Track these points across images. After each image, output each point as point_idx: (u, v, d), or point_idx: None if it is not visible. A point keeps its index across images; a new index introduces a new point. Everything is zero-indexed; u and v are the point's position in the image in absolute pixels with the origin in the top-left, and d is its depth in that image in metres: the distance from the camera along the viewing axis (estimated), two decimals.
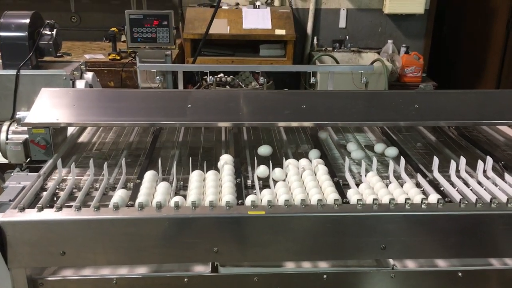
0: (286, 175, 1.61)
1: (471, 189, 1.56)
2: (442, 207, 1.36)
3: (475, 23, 5.48)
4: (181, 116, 1.84)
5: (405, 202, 1.36)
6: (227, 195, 1.43)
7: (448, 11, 5.52)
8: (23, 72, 2.44)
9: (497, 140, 2.05)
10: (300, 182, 1.55)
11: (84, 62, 2.70)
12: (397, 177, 1.65)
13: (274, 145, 1.90)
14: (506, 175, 1.63)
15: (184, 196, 1.47)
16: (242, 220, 1.34)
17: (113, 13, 4.52)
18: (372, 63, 4.27)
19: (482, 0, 5.32)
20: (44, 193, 1.49)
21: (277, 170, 1.60)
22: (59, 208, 1.31)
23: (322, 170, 1.63)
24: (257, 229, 1.35)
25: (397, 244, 1.37)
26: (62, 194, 1.49)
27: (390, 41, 4.70)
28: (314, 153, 1.79)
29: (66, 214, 1.31)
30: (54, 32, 2.54)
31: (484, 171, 1.66)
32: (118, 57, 3.89)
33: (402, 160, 1.69)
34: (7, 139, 1.80)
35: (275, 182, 1.58)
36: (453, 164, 1.65)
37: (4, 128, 1.83)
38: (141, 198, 1.41)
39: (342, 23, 4.87)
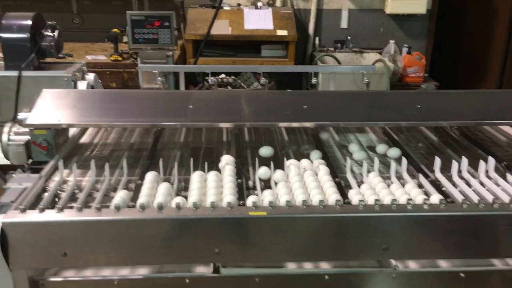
0: (287, 176, 1.61)
1: (473, 190, 1.55)
2: (444, 207, 1.36)
3: (476, 23, 5.47)
4: (183, 117, 1.83)
5: (407, 202, 1.36)
6: (228, 195, 1.43)
7: (449, 11, 5.51)
8: (25, 73, 2.44)
9: (499, 140, 2.04)
10: (302, 183, 1.55)
11: (86, 63, 2.71)
12: (399, 177, 1.64)
13: (275, 146, 1.90)
14: (509, 176, 1.62)
15: (185, 197, 1.47)
16: (243, 221, 1.33)
17: (115, 14, 4.53)
18: (374, 63, 4.27)
19: (484, 0, 5.31)
20: (46, 194, 1.49)
21: (278, 172, 1.60)
22: (61, 209, 1.31)
23: (323, 170, 1.62)
24: (258, 230, 1.35)
25: (399, 245, 1.36)
26: (63, 195, 1.49)
27: (392, 41, 4.69)
28: (315, 154, 1.78)
29: (68, 215, 1.31)
30: (56, 33, 2.55)
31: (486, 172, 1.65)
32: (120, 58, 3.90)
33: (404, 160, 1.69)
34: (9, 140, 1.80)
35: (276, 182, 1.58)
36: (455, 164, 1.65)
37: (6, 129, 1.83)
38: (142, 199, 1.41)
39: (344, 24, 4.87)
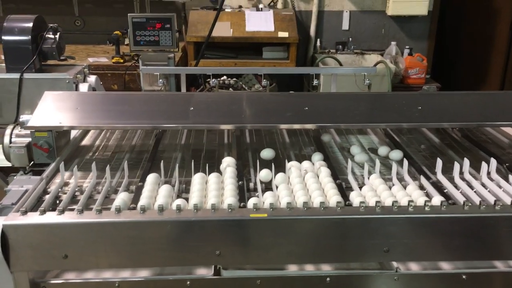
0: (289, 178, 1.61)
1: (475, 191, 1.55)
2: (445, 209, 1.35)
3: (477, 24, 5.46)
4: (184, 119, 1.84)
5: (408, 204, 1.35)
6: (229, 197, 1.43)
7: (450, 11, 5.50)
8: (26, 75, 2.44)
9: (501, 142, 2.03)
10: (303, 185, 1.54)
11: (87, 66, 2.71)
12: (400, 179, 1.64)
13: (276, 148, 1.90)
14: (510, 177, 1.62)
15: (186, 199, 1.47)
16: (244, 223, 1.33)
17: (116, 16, 4.54)
18: (375, 65, 4.27)
19: (485, 1, 5.30)
20: (47, 197, 1.49)
21: (279, 175, 1.59)
22: (61, 212, 1.31)
23: (324, 172, 1.62)
24: (259, 232, 1.34)
25: (401, 247, 1.36)
26: (64, 197, 1.49)
27: (393, 43, 4.69)
28: (317, 156, 1.78)
29: (68, 218, 1.31)
30: (57, 36, 2.55)
31: (488, 173, 1.65)
32: (122, 60, 3.90)
33: (405, 162, 1.68)
34: (10, 142, 1.81)
35: (277, 186, 1.57)
36: (456, 166, 1.64)
37: (8, 131, 1.83)
38: (143, 201, 1.41)
39: (345, 25, 4.87)
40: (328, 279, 1.41)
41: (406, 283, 1.43)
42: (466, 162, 1.66)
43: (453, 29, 5.74)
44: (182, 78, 2.70)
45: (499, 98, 2.12)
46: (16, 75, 2.43)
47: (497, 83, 5.18)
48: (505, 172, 1.68)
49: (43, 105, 1.85)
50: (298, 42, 4.30)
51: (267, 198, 1.44)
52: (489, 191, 1.55)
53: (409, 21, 4.85)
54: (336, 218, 1.33)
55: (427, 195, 1.53)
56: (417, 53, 4.58)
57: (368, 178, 1.63)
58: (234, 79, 3.93)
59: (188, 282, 1.39)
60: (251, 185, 1.61)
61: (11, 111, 2.45)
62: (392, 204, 1.36)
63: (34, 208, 1.43)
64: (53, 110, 1.83)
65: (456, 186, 1.58)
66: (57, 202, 1.50)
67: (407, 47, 4.72)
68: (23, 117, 1.86)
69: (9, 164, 1.84)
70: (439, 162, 1.66)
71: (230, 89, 3.90)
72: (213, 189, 1.49)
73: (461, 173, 1.65)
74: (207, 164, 1.65)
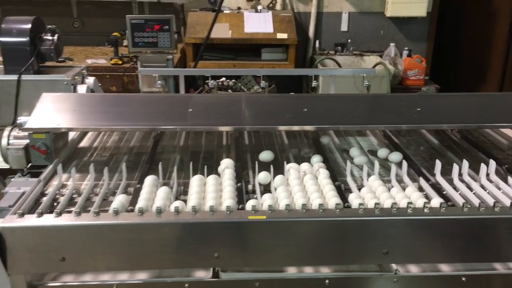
0: (287, 180, 1.60)
1: (474, 193, 1.55)
2: (445, 211, 1.35)
3: (476, 25, 5.47)
4: (182, 121, 1.83)
5: (408, 206, 1.35)
6: (228, 199, 1.42)
7: (449, 12, 5.50)
8: (24, 77, 2.43)
9: (500, 143, 2.03)
10: (301, 187, 1.54)
11: (86, 67, 2.70)
12: (399, 181, 1.64)
13: (275, 149, 1.89)
14: (510, 179, 1.61)
15: (185, 201, 1.46)
16: (242, 225, 1.33)
17: (115, 18, 4.53)
18: (374, 66, 4.26)
19: (484, 2, 5.31)
20: (44, 199, 1.48)
21: (278, 177, 1.59)
22: (59, 214, 1.31)
23: (323, 174, 1.61)
24: (258, 234, 1.34)
25: (400, 249, 1.35)
26: (62, 199, 1.49)
27: (392, 44, 4.69)
28: (316, 158, 1.77)
29: (66, 220, 1.30)
30: (55, 37, 2.54)
31: (487, 175, 1.65)
32: (120, 62, 3.90)
33: (404, 163, 1.68)
34: (8, 144, 1.80)
35: (276, 188, 1.57)
36: (455, 167, 1.64)
37: (6, 133, 1.83)
38: (141, 203, 1.41)
39: (344, 27, 4.87)
40: (327, 281, 1.40)
41: (406, 285, 1.42)
42: (465, 163, 1.66)
43: (453, 30, 5.75)
44: (180, 79, 2.69)
45: (498, 100, 2.12)
46: (14, 77, 2.42)
47: (496, 84, 5.18)
48: (504, 173, 1.67)
49: (41, 106, 1.85)
50: (297, 44, 4.30)
51: (266, 200, 1.43)
52: (488, 192, 1.54)
53: (408, 23, 4.86)
54: (335, 220, 1.33)
55: (426, 197, 1.53)
56: (416, 55, 4.58)
57: (367, 179, 1.63)
58: (233, 80, 3.92)
59: (186, 285, 1.38)
60: (250, 187, 1.60)
61: (9, 113, 2.44)
62: (391, 206, 1.36)
63: (31, 210, 1.42)
64: (51, 111, 1.83)
65: (455, 188, 1.58)
66: (55, 204, 1.49)
67: (406, 48, 4.72)
68: (21, 119, 1.86)
69: (7, 166, 1.83)
70: (438, 164, 1.66)
71: (229, 90, 3.89)
72: (212, 191, 1.49)
73: (460, 174, 1.65)
74: (205, 166, 1.64)
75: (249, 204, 1.39)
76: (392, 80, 4.29)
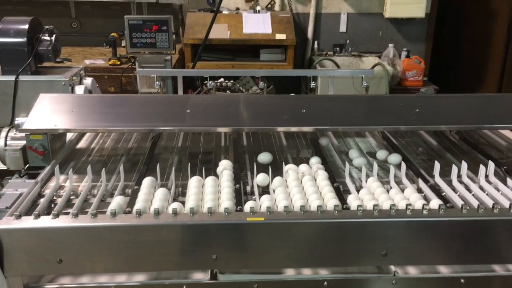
0: (286, 181, 1.60)
1: (473, 194, 1.54)
2: (443, 212, 1.34)
3: (475, 26, 5.47)
4: (180, 122, 1.82)
5: (406, 208, 1.34)
6: (226, 201, 1.42)
7: (449, 12, 5.51)
8: (22, 78, 2.43)
9: (499, 145, 2.03)
10: (300, 188, 1.53)
11: (84, 68, 2.70)
12: (398, 182, 1.63)
13: (274, 151, 1.89)
14: (509, 180, 1.61)
15: (183, 203, 1.46)
16: (241, 227, 1.32)
17: (113, 18, 4.53)
18: (373, 67, 4.26)
19: (483, 3, 5.31)
20: (41, 200, 1.48)
21: (277, 179, 1.58)
22: (56, 215, 1.30)
23: (322, 175, 1.61)
24: (256, 235, 1.33)
25: (398, 251, 1.35)
26: (59, 201, 1.48)
27: (391, 45, 4.69)
28: (314, 159, 1.77)
29: (63, 222, 1.29)
30: (53, 38, 2.54)
31: (486, 176, 1.64)
32: (118, 63, 3.89)
33: (403, 165, 1.67)
34: (5, 145, 1.79)
35: (274, 190, 1.56)
36: (454, 169, 1.63)
37: (3, 134, 1.82)
38: (138, 204, 1.40)
39: (342, 27, 4.87)
40: (325, 283, 1.40)
41: (404, 287, 1.42)
42: (464, 165, 1.66)
43: (452, 31, 5.76)
44: (179, 80, 2.69)
45: (497, 101, 2.11)
46: (12, 77, 2.42)
47: (495, 85, 5.19)
48: (503, 175, 1.67)
49: (38, 107, 1.84)
50: (295, 44, 4.30)
51: (264, 202, 1.43)
52: (487, 194, 1.54)
53: (407, 24, 4.86)
54: (333, 221, 1.32)
55: (425, 198, 1.52)
56: (414, 56, 4.59)
57: (366, 181, 1.62)
58: (232, 81, 3.92)
59: (184, 287, 1.37)
60: (248, 188, 1.60)
61: (6, 114, 2.43)
62: (390, 208, 1.35)
63: (28, 212, 1.41)
64: (48, 112, 1.82)
65: (454, 189, 1.58)
66: (52, 206, 1.49)
67: (404, 49, 4.73)
68: (18, 120, 1.85)
69: (4, 167, 1.82)
70: (437, 165, 1.66)
71: (227, 91, 3.88)
72: (210, 193, 1.48)
73: (459, 176, 1.64)
74: (203, 167, 1.64)
75: (247, 206, 1.38)
76: (391, 81, 4.29)
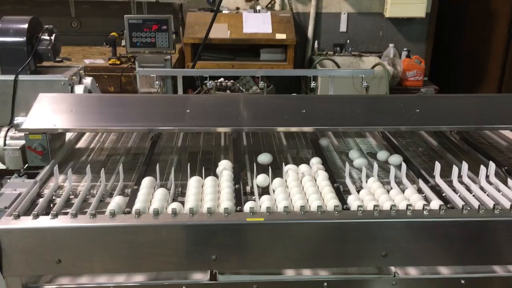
0: (286, 181, 1.59)
1: (473, 195, 1.54)
2: (444, 213, 1.34)
3: (475, 26, 5.47)
4: (180, 121, 1.82)
5: (407, 208, 1.34)
6: (226, 201, 1.41)
7: (449, 13, 5.50)
8: (21, 77, 2.43)
9: (499, 145, 2.02)
10: (300, 188, 1.53)
11: (83, 67, 2.69)
12: (399, 183, 1.63)
13: (274, 151, 1.88)
14: (509, 181, 1.61)
15: (182, 203, 1.45)
16: (240, 227, 1.31)
17: (113, 18, 4.52)
18: (373, 67, 4.26)
19: (483, 3, 5.31)
20: (40, 200, 1.47)
21: (277, 180, 1.58)
22: (55, 216, 1.29)
23: (322, 175, 1.60)
24: (256, 236, 1.33)
25: (399, 251, 1.34)
26: (58, 201, 1.47)
27: (391, 45, 4.69)
28: (315, 159, 1.76)
29: (62, 222, 1.29)
30: (52, 37, 2.53)
31: (487, 177, 1.64)
32: (118, 62, 3.89)
33: (404, 165, 1.67)
34: (5, 144, 1.79)
35: (274, 190, 1.56)
36: (455, 169, 1.63)
37: (2, 133, 1.82)
38: (138, 205, 1.39)
39: (343, 27, 4.87)
40: (325, 284, 1.39)
41: None
42: (465, 165, 1.65)
43: (452, 31, 5.75)
44: (178, 80, 2.68)
45: (497, 101, 2.11)
46: (11, 77, 2.42)
47: (495, 85, 5.18)
48: (504, 175, 1.67)
49: (38, 107, 1.83)
50: (295, 44, 4.29)
51: (264, 202, 1.42)
52: (488, 194, 1.54)
53: (407, 23, 4.85)
54: (333, 222, 1.32)
55: (426, 199, 1.52)
56: (415, 55, 4.58)
57: (366, 181, 1.62)
58: (232, 81, 3.91)
59: (183, 287, 1.37)
60: (248, 188, 1.59)
61: (5, 113, 2.43)
62: (390, 208, 1.35)
63: (27, 212, 1.41)
64: (47, 112, 1.82)
65: (454, 190, 1.57)
66: (51, 205, 1.48)
67: (405, 49, 4.72)
68: (17, 119, 1.85)
69: (3, 167, 1.82)
70: (438, 166, 1.65)
71: (227, 91, 3.88)
72: (209, 193, 1.48)
73: (459, 176, 1.64)
74: (203, 167, 1.63)
75: (247, 206, 1.38)
76: (391, 81, 4.28)
